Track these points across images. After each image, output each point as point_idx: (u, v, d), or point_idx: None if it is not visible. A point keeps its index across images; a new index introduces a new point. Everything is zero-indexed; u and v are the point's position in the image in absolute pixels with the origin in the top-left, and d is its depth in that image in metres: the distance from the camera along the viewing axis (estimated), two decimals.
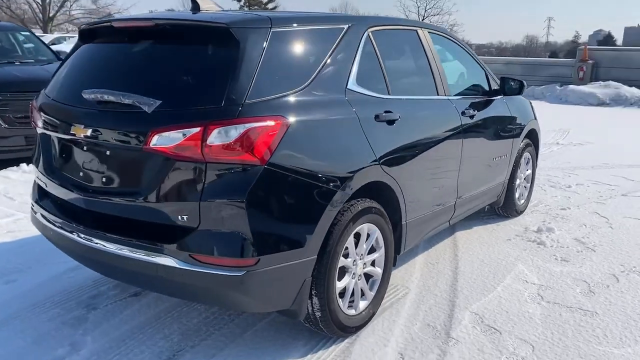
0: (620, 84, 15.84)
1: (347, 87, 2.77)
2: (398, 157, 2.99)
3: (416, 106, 3.30)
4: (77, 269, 3.65)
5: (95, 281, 3.47)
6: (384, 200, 2.95)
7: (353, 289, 2.84)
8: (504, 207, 4.81)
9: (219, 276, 2.27)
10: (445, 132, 3.51)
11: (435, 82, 3.55)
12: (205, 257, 2.28)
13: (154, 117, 2.28)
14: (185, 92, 2.35)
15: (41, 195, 2.94)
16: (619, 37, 78.32)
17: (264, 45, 2.41)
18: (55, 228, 2.72)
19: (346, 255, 2.74)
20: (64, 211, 2.71)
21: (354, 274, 2.82)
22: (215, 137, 2.20)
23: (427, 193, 3.39)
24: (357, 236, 2.80)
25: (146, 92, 2.34)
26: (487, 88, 4.29)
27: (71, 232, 2.62)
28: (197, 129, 2.21)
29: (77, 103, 2.56)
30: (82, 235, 2.56)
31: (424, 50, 3.55)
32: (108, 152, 2.49)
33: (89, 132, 2.46)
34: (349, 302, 2.83)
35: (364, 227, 2.82)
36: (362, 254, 2.87)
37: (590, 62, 17.16)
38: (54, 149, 2.80)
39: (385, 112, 2.93)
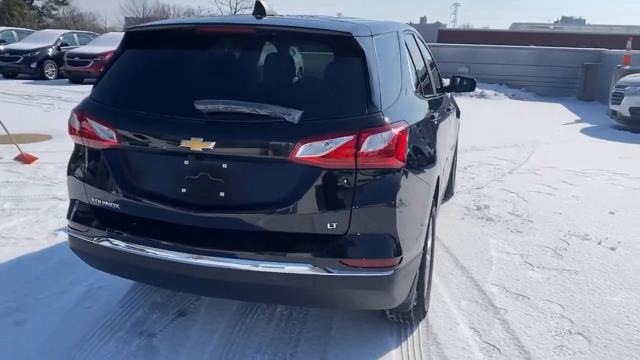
0: None
1: (413, 89, 2.97)
2: (439, 151, 3.28)
3: (434, 104, 3.61)
4: (85, 298, 3.27)
5: (123, 307, 3.16)
6: None
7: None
8: (447, 190, 5.38)
9: (369, 278, 2.34)
10: (445, 126, 3.89)
11: (430, 81, 3.91)
12: (355, 261, 2.32)
13: (298, 128, 2.23)
14: (324, 100, 2.34)
15: (107, 219, 2.58)
16: None
17: (376, 53, 2.50)
18: (145, 253, 2.46)
19: None
20: (159, 233, 2.45)
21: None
22: (368, 145, 2.26)
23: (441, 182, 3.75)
24: None
25: (274, 102, 2.28)
26: (441, 85, 4.77)
27: (172, 254, 2.41)
28: (351, 137, 2.24)
29: (181, 115, 2.35)
30: (193, 256, 2.38)
31: (421, 52, 3.88)
32: (225, 165, 2.35)
33: (211, 145, 2.28)
34: None
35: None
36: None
37: None
38: (133, 165, 2.50)
39: (432, 111, 3.20)
